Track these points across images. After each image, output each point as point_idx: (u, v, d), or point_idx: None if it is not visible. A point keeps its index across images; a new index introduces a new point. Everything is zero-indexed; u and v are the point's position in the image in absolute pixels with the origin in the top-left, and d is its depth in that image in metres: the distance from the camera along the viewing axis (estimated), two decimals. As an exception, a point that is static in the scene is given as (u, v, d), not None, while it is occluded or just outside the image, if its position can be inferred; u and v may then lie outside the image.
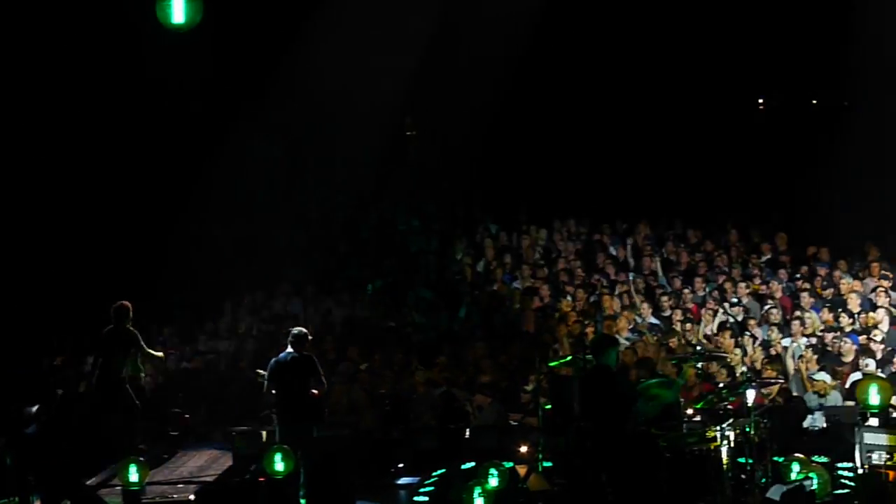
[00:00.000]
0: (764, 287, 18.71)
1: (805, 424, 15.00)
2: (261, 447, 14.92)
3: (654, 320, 18.25)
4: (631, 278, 19.74)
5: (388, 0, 22.04)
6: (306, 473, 13.82)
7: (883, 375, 15.02)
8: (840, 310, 17.25)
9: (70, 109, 19.34)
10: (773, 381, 14.99)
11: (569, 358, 15.13)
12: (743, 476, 12.72)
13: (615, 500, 12.18)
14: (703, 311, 18.15)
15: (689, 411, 14.09)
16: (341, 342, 18.67)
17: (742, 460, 12.74)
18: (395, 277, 21.04)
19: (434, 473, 14.81)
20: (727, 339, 16.65)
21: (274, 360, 14.60)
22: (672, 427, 12.85)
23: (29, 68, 18.76)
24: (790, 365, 16.20)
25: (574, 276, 20.02)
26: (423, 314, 19.93)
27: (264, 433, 15.44)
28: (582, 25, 23.05)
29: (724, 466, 12.39)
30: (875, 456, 13.12)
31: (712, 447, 12.36)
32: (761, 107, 25.62)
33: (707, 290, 18.79)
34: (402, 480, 15.14)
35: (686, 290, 18.76)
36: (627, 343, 17.04)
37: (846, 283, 18.40)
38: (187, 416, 17.41)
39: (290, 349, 14.50)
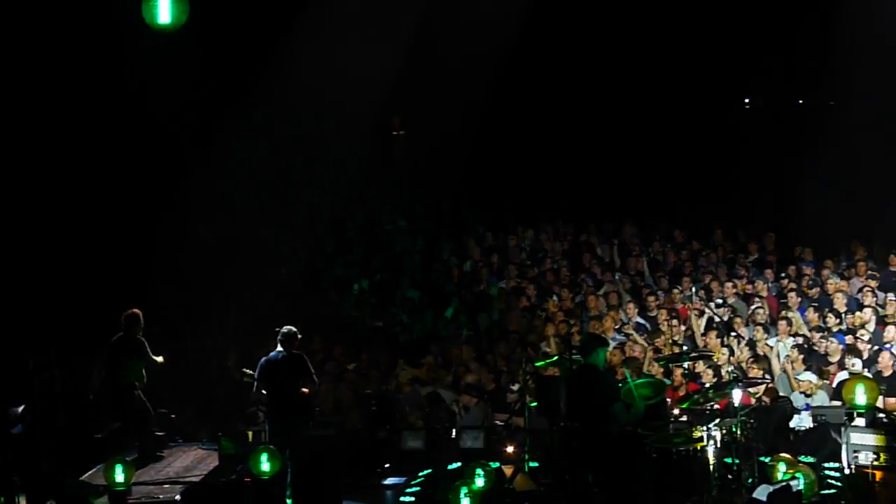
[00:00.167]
0: (750, 287, 18.73)
1: (792, 424, 14.95)
2: (247, 447, 14.90)
3: (640, 320, 18.26)
4: (617, 278, 19.77)
5: (375, -1, 22.05)
6: (293, 473, 13.78)
7: (870, 375, 15.02)
8: (827, 309, 17.25)
9: (53, 111, 19.24)
10: (759, 380, 14.96)
11: (555, 358, 15.20)
12: (729, 476, 12.75)
13: (602, 501, 12.22)
14: (688, 310, 18.16)
15: (676, 411, 14.12)
16: (328, 342, 18.63)
17: (729, 460, 12.77)
18: (381, 277, 21.02)
19: (420, 474, 14.84)
20: (713, 339, 16.65)
21: (264, 359, 14.60)
22: (659, 427, 12.86)
23: (11, 69, 18.67)
24: (776, 365, 16.19)
25: (560, 276, 20.03)
26: (410, 314, 19.92)
27: (250, 433, 15.43)
28: (569, 26, 23.08)
29: (711, 466, 12.41)
30: (862, 456, 13.17)
31: (699, 447, 12.37)
32: (747, 106, 25.66)
33: (693, 289, 18.79)
34: (389, 481, 15.11)
35: (675, 290, 18.75)
36: (614, 343, 17.05)
37: (833, 282, 18.44)
38: (174, 416, 17.36)
39: (279, 348, 14.50)
